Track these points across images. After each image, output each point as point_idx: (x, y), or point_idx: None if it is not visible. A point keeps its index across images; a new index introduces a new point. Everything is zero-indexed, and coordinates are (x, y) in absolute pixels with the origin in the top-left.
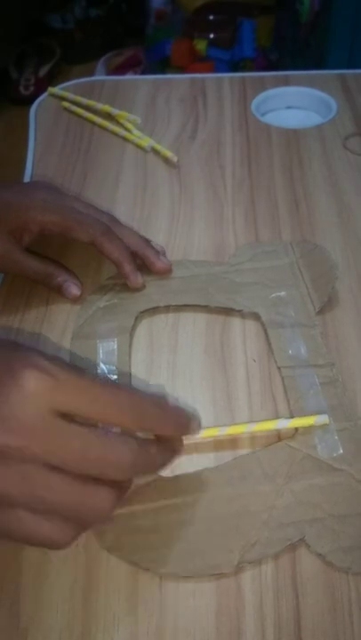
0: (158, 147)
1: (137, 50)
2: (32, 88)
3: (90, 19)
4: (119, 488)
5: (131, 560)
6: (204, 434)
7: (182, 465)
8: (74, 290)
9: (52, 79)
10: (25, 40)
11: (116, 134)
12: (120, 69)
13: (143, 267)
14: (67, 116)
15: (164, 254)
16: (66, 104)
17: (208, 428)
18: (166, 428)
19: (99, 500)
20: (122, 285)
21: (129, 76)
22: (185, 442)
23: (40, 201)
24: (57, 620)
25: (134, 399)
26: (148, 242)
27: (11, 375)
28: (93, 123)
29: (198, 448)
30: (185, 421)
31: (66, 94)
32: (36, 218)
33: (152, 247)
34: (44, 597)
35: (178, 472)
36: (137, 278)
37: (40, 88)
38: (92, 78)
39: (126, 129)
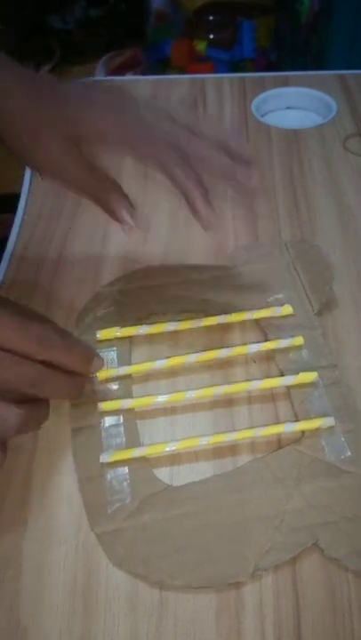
0: None
1: (137, 50)
2: None
3: (90, 19)
4: (29, 409)
5: (142, 574)
6: (212, 440)
7: (184, 473)
8: (125, 215)
9: None
10: (25, 40)
11: None
12: (120, 70)
13: (145, 275)
14: None
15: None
16: None
17: (215, 434)
18: (71, 360)
19: (7, 415)
20: (119, 293)
21: (129, 77)
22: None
23: (101, 107)
24: (57, 619)
25: (44, 333)
26: (233, 164)
27: None
28: None
29: (199, 456)
30: (89, 357)
31: None
32: (95, 125)
33: (242, 168)
34: (44, 597)
35: (184, 481)
36: (207, 216)
37: None
38: (92, 79)
39: None
